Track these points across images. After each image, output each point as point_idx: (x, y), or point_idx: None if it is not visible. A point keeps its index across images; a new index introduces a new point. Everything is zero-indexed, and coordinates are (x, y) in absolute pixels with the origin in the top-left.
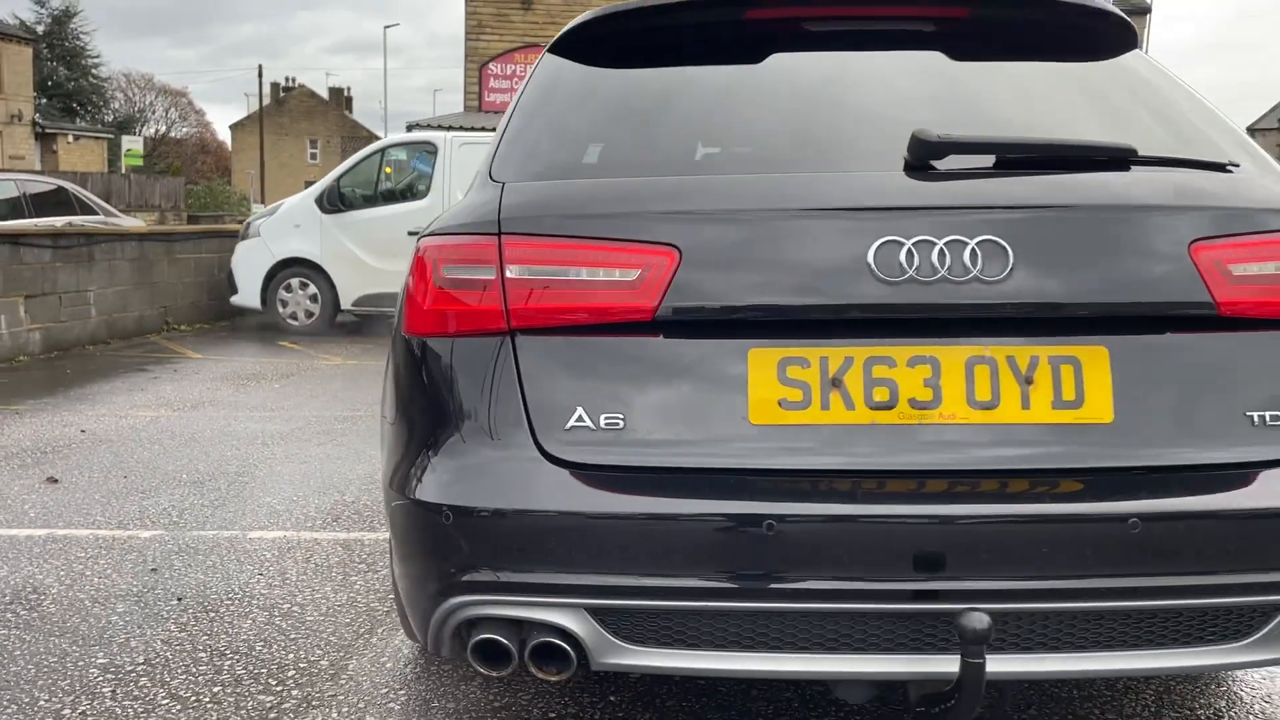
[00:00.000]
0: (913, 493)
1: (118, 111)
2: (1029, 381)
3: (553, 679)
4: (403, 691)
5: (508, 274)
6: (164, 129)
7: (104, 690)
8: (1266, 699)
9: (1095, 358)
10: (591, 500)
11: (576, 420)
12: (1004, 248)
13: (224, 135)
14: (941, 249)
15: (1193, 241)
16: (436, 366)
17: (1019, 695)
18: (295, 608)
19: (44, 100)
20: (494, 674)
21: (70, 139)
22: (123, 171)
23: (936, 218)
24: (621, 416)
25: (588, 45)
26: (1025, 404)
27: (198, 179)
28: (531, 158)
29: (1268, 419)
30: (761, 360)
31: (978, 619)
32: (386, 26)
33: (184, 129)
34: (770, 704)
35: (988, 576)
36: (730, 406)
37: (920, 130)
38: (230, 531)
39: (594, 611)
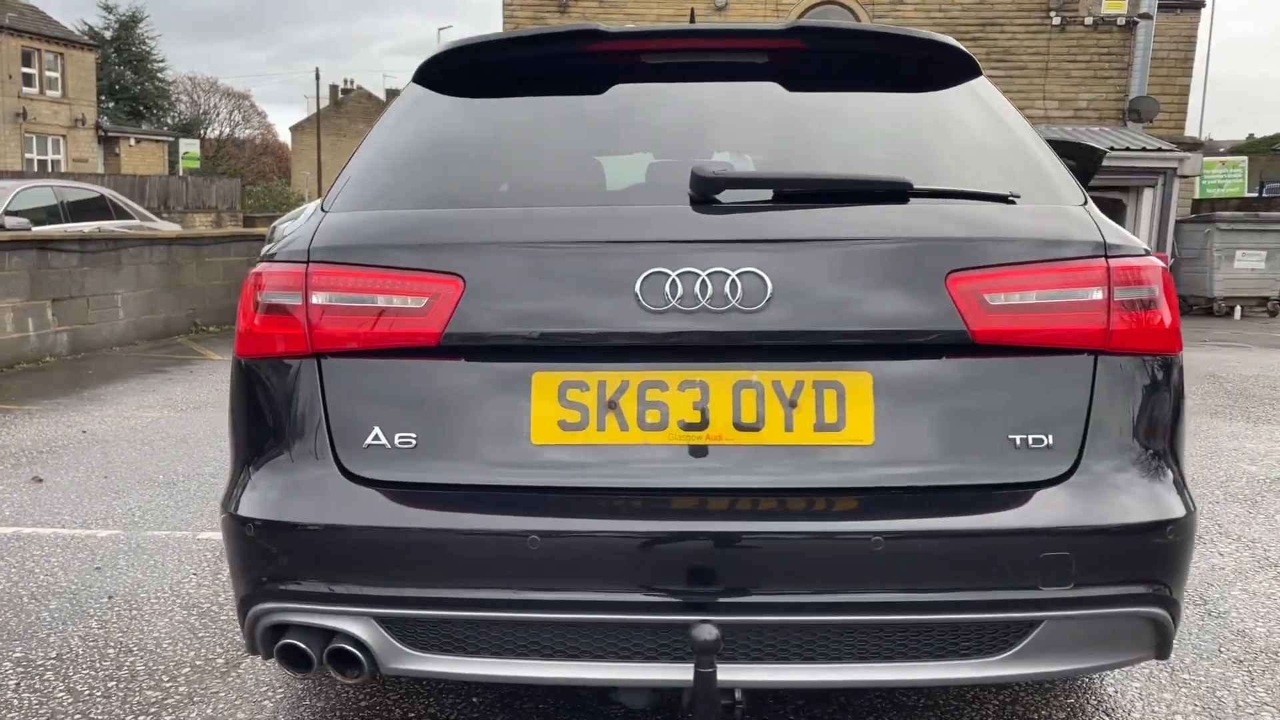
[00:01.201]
0: (671, 510)
1: (183, 114)
2: (793, 405)
3: (350, 682)
4: (281, 690)
5: (312, 300)
6: (227, 131)
7: (9, 683)
8: (1109, 711)
9: (858, 382)
10: (381, 515)
11: (373, 439)
12: (763, 279)
13: (285, 137)
14: (704, 280)
15: (950, 272)
16: (255, 387)
17: (865, 702)
18: (215, 607)
19: (111, 104)
20: (299, 675)
21: (132, 142)
22: (180, 174)
23: (702, 251)
24: (414, 435)
25: (443, 76)
26: (789, 426)
27: (259, 180)
28: (362, 187)
29: (1029, 441)
30: (544, 383)
31: (707, 631)
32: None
33: (246, 131)
34: (620, 705)
35: (729, 590)
36: (514, 427)
37: (698, 166)
38: (182, 532)
39: (382, 620)
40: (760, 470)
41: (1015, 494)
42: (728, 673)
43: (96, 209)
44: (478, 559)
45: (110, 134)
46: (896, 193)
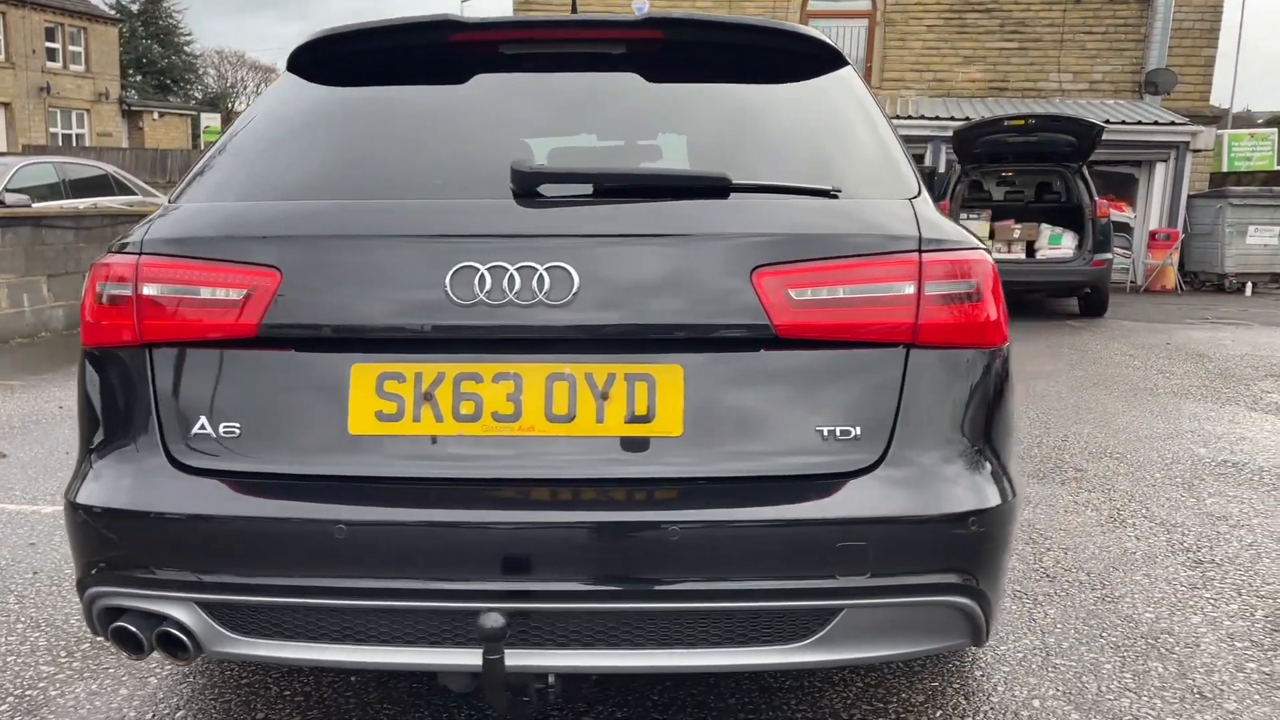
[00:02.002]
0: (479, 500)
1: (210, 88)
2: (604, 397)
3: (181, 664)
4: (169, 668)
5: (142, 292)
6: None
7: None
8: (970, 694)
9: (669, 375)
10: (202, 503)
11: (200, 428)
12: (570, 274)
13: None
14: (512, 274)
15: (756, 268)
16: (94, 376)
17: (731, 684)
18: None
19: (139, 77)
20: (133, 657)
21: (155, 116)
22: (200, 148)
23: (514, 246)
24: (238, 425)
25: (310, 65)
26: (600, 418)
27: None
28: (209, 179)
29: (837, 433)
30: (363, 375)
31: (492, 619)
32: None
33: None
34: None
35: (527, 578)
36: (332, 417)
37: (517, 161)
38: None
39: (204, 605)
40: (570, 461)
41: (819, 485)
42: (528, 658)
43: (99, 186)
44: (290, 547)
45: (134, 108)
46: (716, 188)
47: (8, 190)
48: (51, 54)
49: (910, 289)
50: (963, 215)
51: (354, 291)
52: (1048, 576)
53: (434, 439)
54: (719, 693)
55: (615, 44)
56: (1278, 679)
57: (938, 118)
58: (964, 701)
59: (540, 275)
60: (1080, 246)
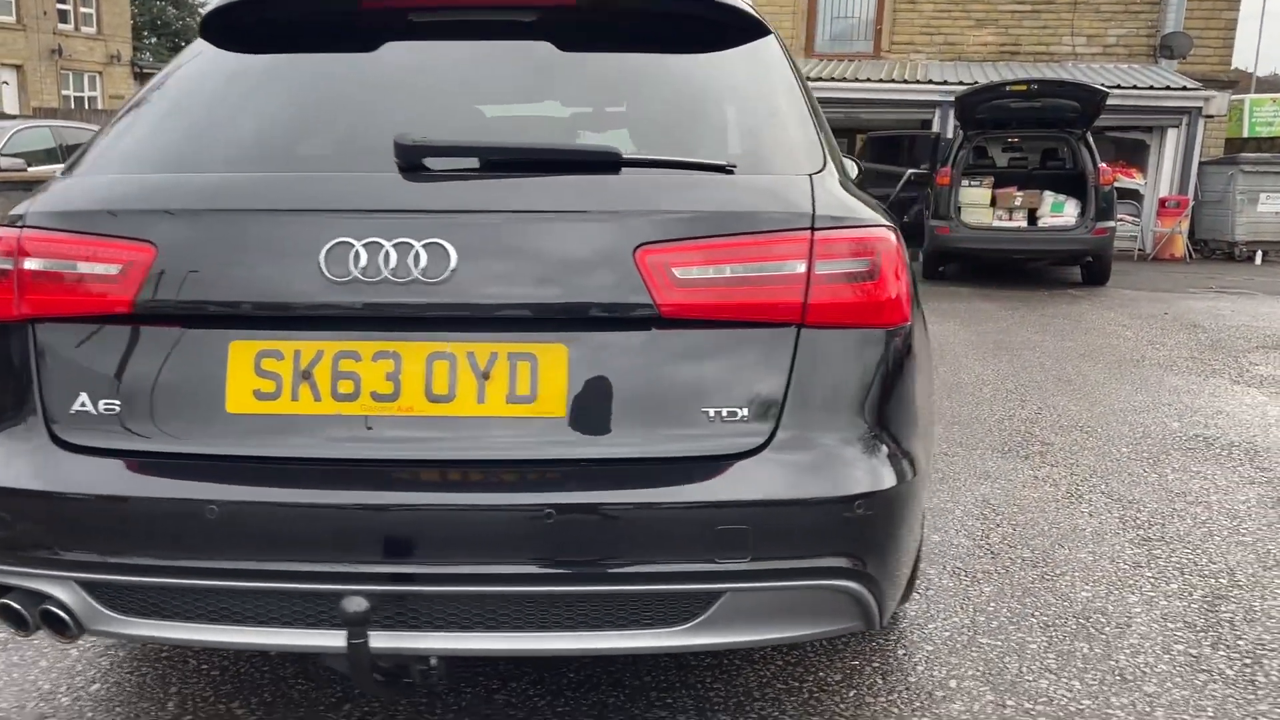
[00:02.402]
0: (353, 480)
1: None
2: (486, 376)
3: (65, 643)
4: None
5: (24, 266)
6: None
7: None
8: (887, 674)
9: (552, 355)
10: (80, 481)
11: (80, 405)
12: (447, 250)
13: None
14: (388, 251)
15: (639, 246)
16: None
17: (650, 661)
18: None
19: (153, 39)
20: (20, 635)
21: None
22: None
23: (390, 221)
24: (118, 403)
25: (219, 31)
26: (480, 398)
27: None
28: (104, 151)
29: (723, 415)
30: (241, 352)
31: (355, 602)
32: None
33: None
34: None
35: (400, 560)
36: (210, 395)
37: (400, 135)
38: None
39: (84, 584)
40: (449, 442)
41: (702, 467)
42: (397, 640)
43: None
44: (164, 527)
45: (146, 70)
46: (607, 163)
47: (3, 155)
48: (63, 15)
49: (800, 268)
50: (964, 182)
51: (230, 267)
52: (991, 553)
53: (312, 419)
54: (635, 670)
55: (527, 11)
56: (1204, 661)
57: (946, 82)
58: (880, 681)
59: (416, 252)
60: (1083, 214)
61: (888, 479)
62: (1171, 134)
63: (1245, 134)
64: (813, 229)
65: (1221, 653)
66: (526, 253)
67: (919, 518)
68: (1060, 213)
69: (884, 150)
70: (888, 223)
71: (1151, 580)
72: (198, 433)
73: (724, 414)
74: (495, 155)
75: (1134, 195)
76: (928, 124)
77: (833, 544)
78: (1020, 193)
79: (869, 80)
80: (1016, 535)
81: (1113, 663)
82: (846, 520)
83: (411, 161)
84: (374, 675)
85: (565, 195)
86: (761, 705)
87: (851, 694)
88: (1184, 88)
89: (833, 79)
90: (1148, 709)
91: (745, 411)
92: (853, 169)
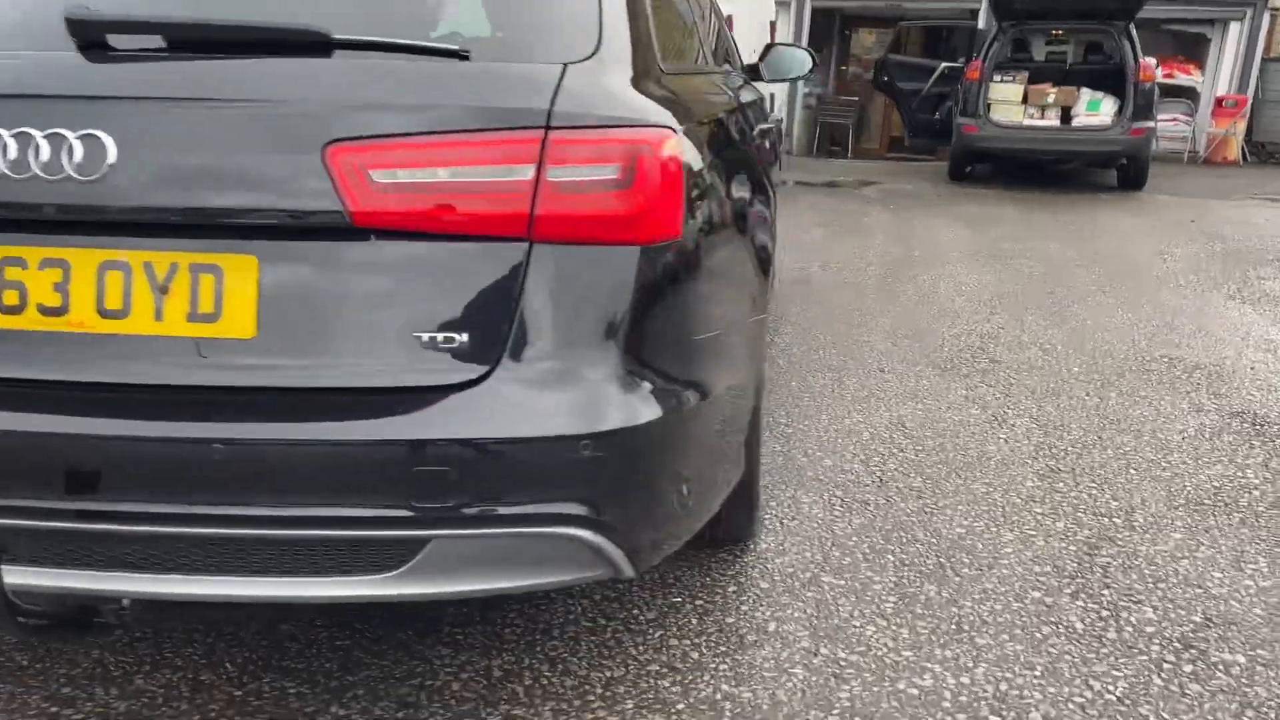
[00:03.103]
0: (13, 403)
1: None
2: (164, 290)
3: None
4: None
5: None
6: None
7: None
8: (707, 613)
9: (241, 268)
10: None
11: None
12: (104, 142)
13: None
14: (39, 143)
15: (330, 143)
16: None
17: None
18: None
19: None
20: None
21: None
22: None
23: (43, 108)
24: None
25: None
26: (159, 315)
27: None
28: None
29: (438, 341)
30: None
31: None
32: None
33: None
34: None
35: (59, 494)
36: None
37: (72, 7)
38: None
39: None
40: (119, 363)
41: (409, 400)
42: (52, 578)
43: None
44: None
45: None
46: (315, 44)
47: None
48: None
49: (528, 173)
50: (996, 78)
51: None
52: (879, 481)
53: None
54: (440, 605)
55: None
56: (1055, 613)
57: None
58: (694, 621)
59: (70, 145)
60: (1120, 113)
61: (634, 416)
62: (1234, 27)
63: None
64: (547, 127)
65: (1080, 603)
66: (201, 147)
67: (698, 456)
68: (1096, 111)
69: (921, 42)
70: (670, 124)
71: (1038, 517)
72: None
73: (439, 340)
74: (181, 33)
75: (1189, 93)
76: (974, 14)
77: (558, 489)
78: (1054, 89)
79: None
80: (915, 462)
81: (954, 609)
82: (575, 462)
83: (87, 38)
84: (15, 617)
85: (250, 81)
86: (556, 645)
87: (657, 635)
88: None
89: None
90: (969, 663)
91: (464, 338)
92: (718, 67)
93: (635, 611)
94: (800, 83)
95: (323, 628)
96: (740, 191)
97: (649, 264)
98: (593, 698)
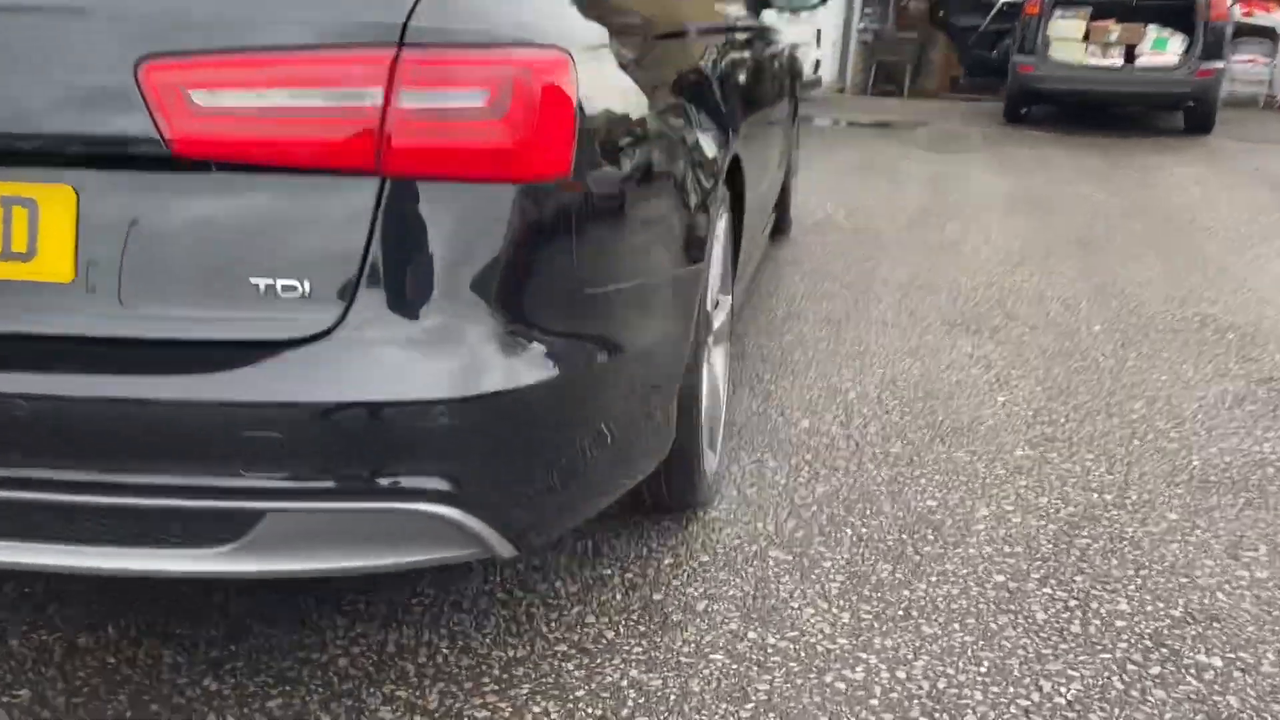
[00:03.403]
0: None
1: None
2: None
3: None
4: None
5: None
6: None
7: None
8: (631, 589)
9: (57, 200)
10: None
11: None
12: None
13: None
14: None
15: (142, 59)
16: None
17: None
18: None
19: None
20: None
21: None
22: None
23: None
24: None
25: None
26: None
27: None
28: None
29: (278, 288)
30: None
31: None
32: None
33: None
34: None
35: None
36: None
37: None
38: None
39: None
40: None
41: (241, 354)
42: None
43: None
44: None
45: None
46: None
47: None
48: None
49: (376, 98)
50: (1056, 13)
51: None
52: (855, 446)
53: None
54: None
55: None
56: (1017, 600)
57: None
58: (618, 597)
59: None
60: (1188, 53)
61: (506, 379)
62: None
63: None
64: (400, 44)
65: (1047, 590)
66: (7, 61)
67: (597, 424)
68: (1162, 50)
69: None
70: (561, 44)
71: (1020, 491)
72: None
73: (278, 288)
74: None
75: (1269, 33)
76: None
77: (412, 460)
78: (1118, 26)
79: None
80: (899, 426)
81: (905, 593)
82: (431, 431)
83: None
84: None
85: None
86: (462, 619)
87: (574, 611)
88: None
89: None
90: (909, 655)
91: (306, 286)
92: None
93: (558, 583)
94: (855, 18)
95: (220, 590)
96: (683, 127)
97: (530, 205)
98: (487, 680)
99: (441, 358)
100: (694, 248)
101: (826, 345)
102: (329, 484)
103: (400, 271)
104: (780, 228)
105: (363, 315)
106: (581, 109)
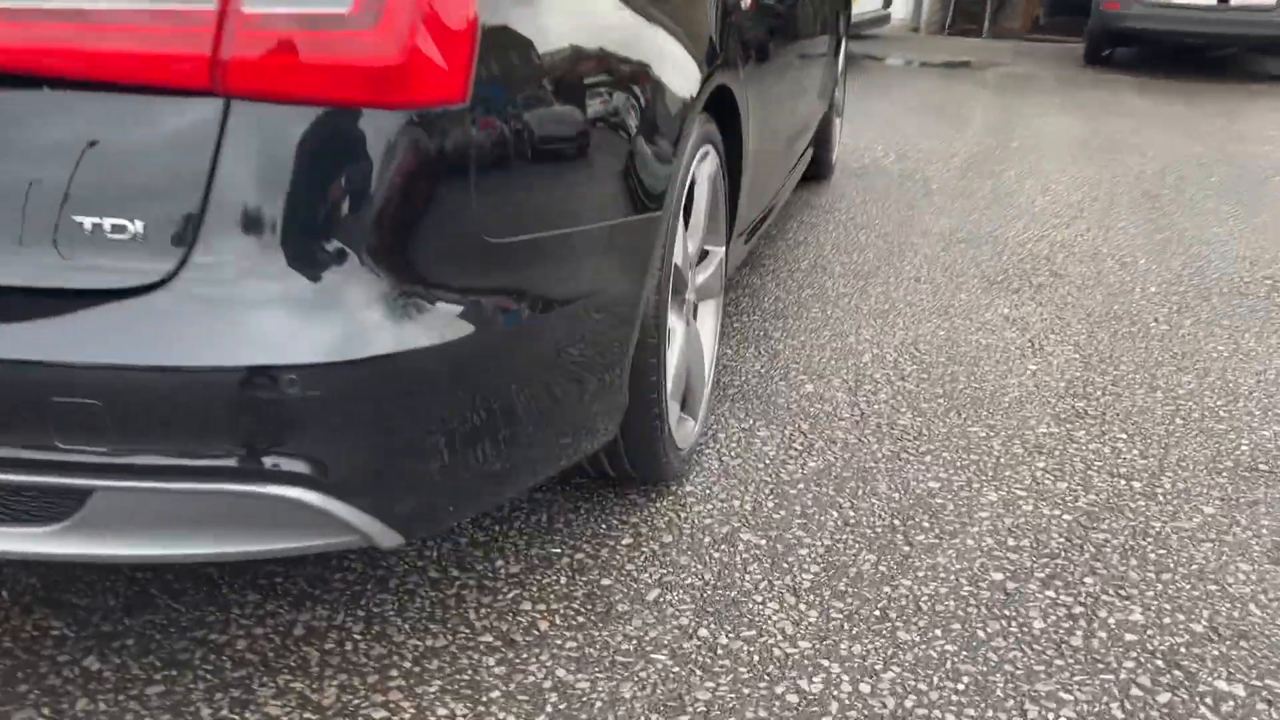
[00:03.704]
0: None
1: None
2: None
3: None
4: None
5: None
6: None
7: None
8: (576, 571)
9: None
10: None
11: None
12: None
13: None
14: None
15: None
16: None
17: None
18: None
19: None
20: None
21: None
22: None
23: None
24: None
25: None
26: None
27: None
28: None
29: (106, 228)
30: None
31: None
32: None
33: None
34: None
35: None
36: None
37: None
38: None
39: None
40: None
41: (54, 306)
42: None
43: None
44: None
45: None
46: None
47: None
48: None
49: (212, 3)
50: None
51: None
52: (860, 416)
53: None
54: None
55: None
56: (1013, 604)
57: None
58: (562, 581)
59: None
60: None
61: (375, 342)
62: None
63: None
64: None
65: (1050, 593)
66: None
67: (508, 396)
68: None
69: None
70: None
71: (1037, 474)
72: None
73: (106, 228)
74: None
75: None
76: None
77: (263, 436)
78: None
79: None
80: (912, 395)
81: (887, 590)
82: (285, 402)
83: None
84: None
85: None
86: (384, 599)
87: (509, 596)
88: None
89: None
90: (878, 665)
91: (139, 226)
92: None
93: (500, 563)
94: None
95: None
96: (638, 47)
97: (413, 136)
98: (395, 673)
99: (297, 316)
100: (645, 194)
101: (849, 301)
102: (160, 461)
103: (250, 213)
104: (819, 173)
105: (204, 263)
106: (482, 18)
